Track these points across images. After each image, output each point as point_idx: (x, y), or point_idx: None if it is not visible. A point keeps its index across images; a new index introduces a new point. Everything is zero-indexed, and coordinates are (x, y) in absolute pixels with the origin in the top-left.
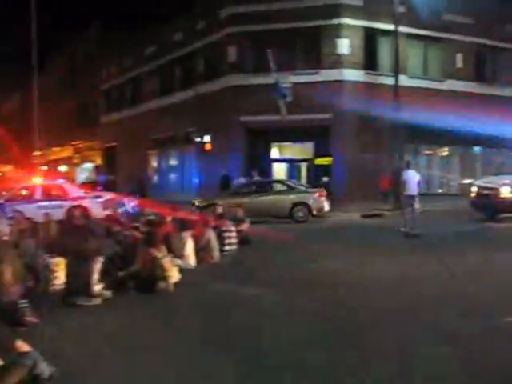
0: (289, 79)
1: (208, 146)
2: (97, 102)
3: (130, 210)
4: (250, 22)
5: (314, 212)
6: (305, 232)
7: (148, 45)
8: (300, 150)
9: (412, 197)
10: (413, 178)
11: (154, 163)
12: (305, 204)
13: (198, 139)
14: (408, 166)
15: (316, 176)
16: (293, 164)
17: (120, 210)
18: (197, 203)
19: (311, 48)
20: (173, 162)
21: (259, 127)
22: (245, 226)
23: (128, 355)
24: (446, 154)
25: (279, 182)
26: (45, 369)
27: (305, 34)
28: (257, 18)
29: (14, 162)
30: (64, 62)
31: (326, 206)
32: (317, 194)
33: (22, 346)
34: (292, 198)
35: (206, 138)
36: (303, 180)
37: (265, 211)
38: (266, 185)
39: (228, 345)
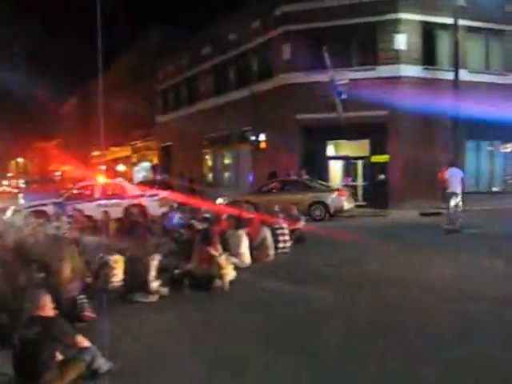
0: (345, 76)
1: (263, 145)
2: (154, 102)
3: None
4: (305, 19)
5: (332, 211)
6: (358, 230)
7: (204, 45)
8: (356, 148)
9: (455, 194)
10: (456, 176)
11: (209, 162)
12: (322, 203)
13: (253, 138)
14: (452, 165)
15: (372, 174)
16: (349, 162)
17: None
18: (222, 201)
19: (367, 44)
20: (227, 160)
21: (315, 125)
22: (300, 224)
23: (184, 352)
24: (509, 150)
25: (299, 181)
26: (103, 364)
27: (361, 31)
28: (312, 15)
29: (74, 161)
30: (123, 64)
31: (346, 205)
32: (336, 194)
33: (82, 341)
34: (310, 196)
35: (261, 137)
36: (359, 178)
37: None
38: (289, 183)
39: (282, 343)
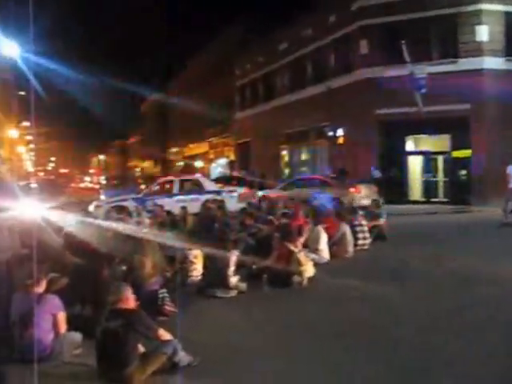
0: (424, 70)
1: (340, 140)
2: (231, 98)
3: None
4: (382, 13)
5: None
6: (441, 227)
7: (281, 41)
8: (436, 143)
9: None
10: None
11: (286, 158)
12: (338, 199)
13: (331, 133)
14: None
15: (453, 169)
16: (429, 157)
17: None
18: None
19: (448, 37)
20: (304, 156)
21: (394, 120)
22: (381, 222)
23: (261, 348)
24: None
25: (318, 178)
26: (183, 357)
27: (440, 23)
28: (389, 8)
29: (153, 157)
30: (201, 62)
31: (364, 202)
32: (351, 190)
33: (164, 334)
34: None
35: (339, 132)
36: (440, 173)
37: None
38: (310, 180)
39: (358, 340)
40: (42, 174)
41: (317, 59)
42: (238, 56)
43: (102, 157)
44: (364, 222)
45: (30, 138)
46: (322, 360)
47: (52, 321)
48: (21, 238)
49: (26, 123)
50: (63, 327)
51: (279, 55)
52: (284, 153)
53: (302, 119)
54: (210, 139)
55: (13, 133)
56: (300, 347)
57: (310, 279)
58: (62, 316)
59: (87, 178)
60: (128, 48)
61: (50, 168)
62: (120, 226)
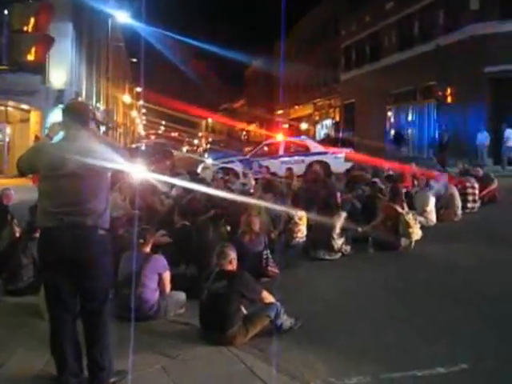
0: None
1: (449, 100)
2: (337, 60)
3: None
4: None
5: None
6: None
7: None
8: None
9: None
10: None
11: (392, 118)
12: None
13: (439, 93)
14: None
15: None
16: None
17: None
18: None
19: None
20: (411, 116)
21: (506, 77)
22: (494, 186)
23: (365, 311)
24: None
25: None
26: (285, 320)
27: None
28: None
29: (258, 120)
30: (306, 24)
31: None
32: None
33: (268, 296)
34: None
35: (448, 91)
36: None
37: None
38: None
39: (464, 304)
40: (153, 137)
41: (425, 17)
42: (344, 17)
43: (209, 120)
44: (476, 185)
45: (141, 103)
46: (426, 322)
47: (157, 280)
48: (130, 199)
49: (138, 89)
50: (168, 286)
51: (386, 14)
52: (390, 113)
53: (409, 79)
54: (315, 101)
55: (126, 98)
56: (403, 310)
57: (417, 242)
58: (167, 275)
59: (195, 141)
60: (233, 9)
61: (160, 132)
62: (226, 187)
